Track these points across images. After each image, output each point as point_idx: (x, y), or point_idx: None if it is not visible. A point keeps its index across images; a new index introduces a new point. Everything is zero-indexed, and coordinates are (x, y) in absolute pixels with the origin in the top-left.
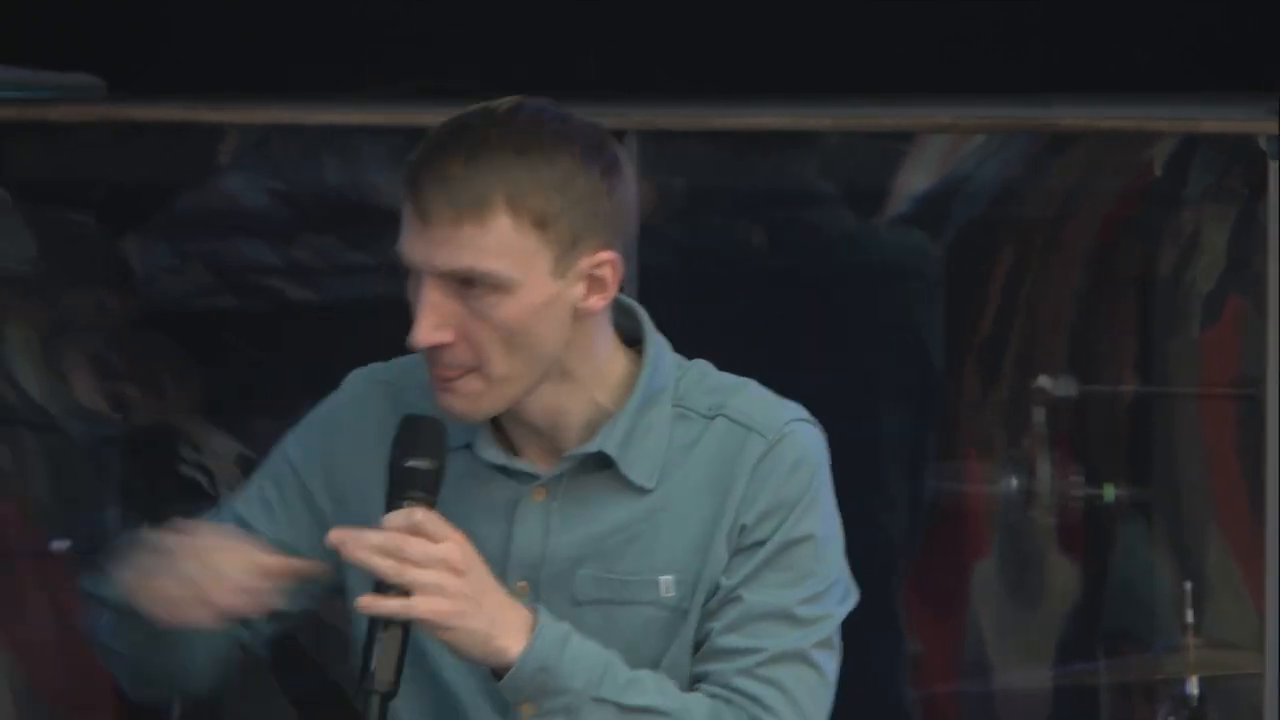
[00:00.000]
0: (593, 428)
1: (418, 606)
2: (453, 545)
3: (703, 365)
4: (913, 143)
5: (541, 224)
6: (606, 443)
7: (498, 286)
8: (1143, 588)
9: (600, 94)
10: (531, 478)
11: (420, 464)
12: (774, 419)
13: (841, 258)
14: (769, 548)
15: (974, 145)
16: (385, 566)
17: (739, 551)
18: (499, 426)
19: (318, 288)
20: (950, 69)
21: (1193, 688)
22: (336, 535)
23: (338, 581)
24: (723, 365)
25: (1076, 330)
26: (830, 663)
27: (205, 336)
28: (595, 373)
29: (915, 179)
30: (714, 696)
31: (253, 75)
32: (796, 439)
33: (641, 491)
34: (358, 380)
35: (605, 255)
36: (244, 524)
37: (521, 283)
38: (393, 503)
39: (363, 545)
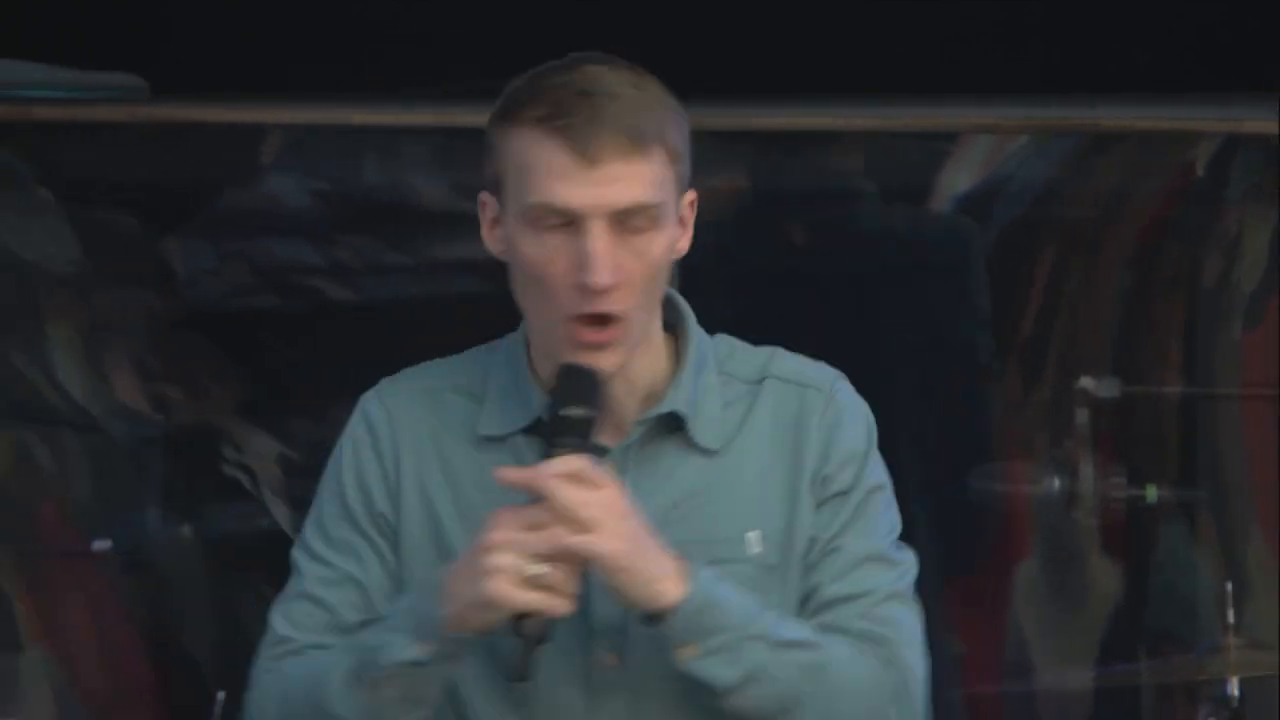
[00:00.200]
0: (653, 397)
1: (598, 543)
2: (615, 491)
3: (727, 338)
4: (956, 143)
5: (676, 158)
6: (676, 403)
7: (655, 220)
8: (1184, 588)
9: None
10: (603, 450)
11: (576, 412)
12: (820, 375)
13: (883, 256)
14: (855, 495)
15: (1017, 145)
16: (570, 495)
17: (825, 502)
18: None
19: (357, 288)
20: (950, 69)
21: (1233, 688)
22: (512, 473)
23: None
24: None
25: (1119, 331)
26: (918, 603)
27: (246, 336)
28: (657, 336)
29: (958, 179)
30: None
31: (292, 76)
32: (847, 392)
33: (707, 453)
34: (378, 398)
35: (691, 195)
36: (354, 581)
37: (668, 216)
38: (550, 450)
39: (548, 475)
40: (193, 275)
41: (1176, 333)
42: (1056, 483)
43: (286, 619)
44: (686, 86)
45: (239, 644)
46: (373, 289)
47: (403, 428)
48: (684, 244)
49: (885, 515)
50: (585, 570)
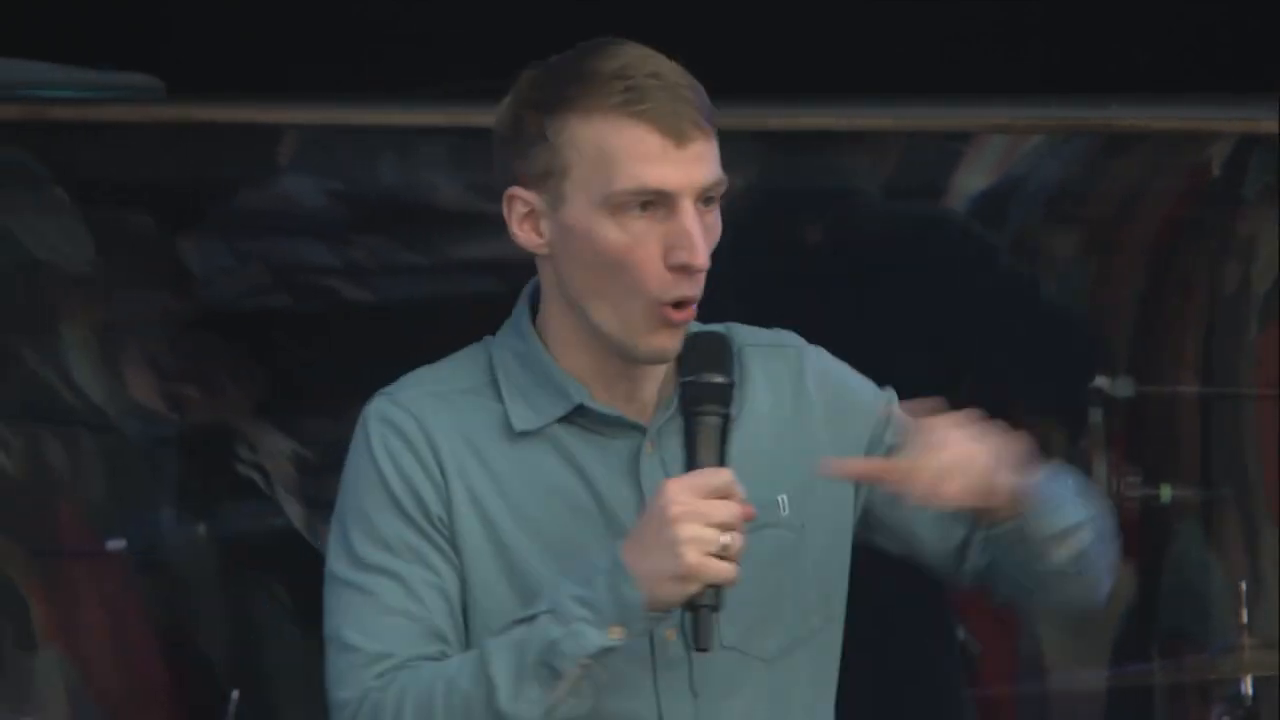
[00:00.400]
0: (671, 372)
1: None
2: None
3: None
4: (969, 143)
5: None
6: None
7: (721, 197)
8: (1198, 588)
9: None
10: (641, 430)
11: (718, 379)
12: (782, 336)
13: (896, 256)
14: (897, 416)
15: (1032, 145)
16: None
17: (889, 433)
18: (586, 384)
19: (373, 287)
20: (964, 69)
21: (1247, 687)
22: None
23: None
24: None
25: (1133, 331)
26: None
27: (260, 336)
28: None
29: (972, 180)
30: None
31: (307, 76)
32: (814, 350)
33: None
34: (395, 405)
35: None
36: (435, 586)
37: None
38: (694, 418)
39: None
40: (208, 275)
41: (1191, 332)
42: None
43: (374, 638)
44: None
45: (253, 643)
46: (387, 288)
47: (435, 431)
48: None
49: None
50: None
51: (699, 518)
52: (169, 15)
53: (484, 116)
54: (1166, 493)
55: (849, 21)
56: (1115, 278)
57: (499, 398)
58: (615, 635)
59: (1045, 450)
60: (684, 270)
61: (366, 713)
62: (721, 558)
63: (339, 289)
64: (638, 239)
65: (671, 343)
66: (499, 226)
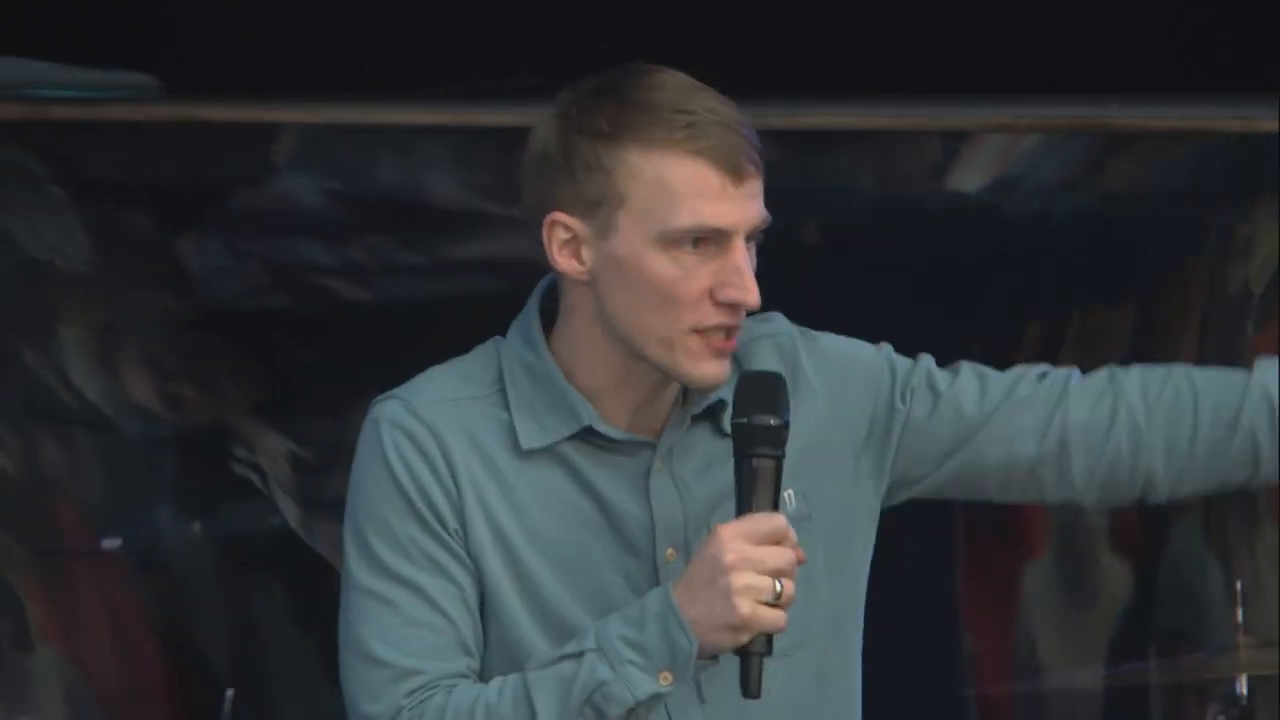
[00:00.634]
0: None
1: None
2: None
3: None
4: (966, 142)
5: None
6: (722, 391)
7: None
8: (1194, 588)
9: None
10: (650, 448)
11: (772, 421)
12: (773, 323)
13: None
14: (921, 367)
15: (1031, 144)
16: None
17: (921, 389)
18: (596, 403)
19: (371, 287)
20: (962, 69)
21: (1242, 687)
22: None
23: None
24: None
25: (1129, 330)
26: None
27: (259, 336)
28: None
29: (969, 178)
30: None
31: (305, 75)
32: (799, 329)
33: (729, 437)
34: (408, 411)
35: None
36: (458, 597)
37: None
38: (745, 458)
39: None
40: (206, 275)
41: (1187, 331)
42: None
43: (402, 652)
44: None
45: (250, 642)
46: (385, 288)
47: (448, 440)
48: None
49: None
50: None
51: (753, 565)
52: (168, 15)
53: (484, 116)
54: None
55: (848, 21)
56: (1113, 276)
57: (507, 408)
58: (665, 681)
59: None
60: (734, 307)
61: None
62: (773, 605)
63: (337, 289)
64: (688, 273)
65: (719, 370)
66: (498, 226)
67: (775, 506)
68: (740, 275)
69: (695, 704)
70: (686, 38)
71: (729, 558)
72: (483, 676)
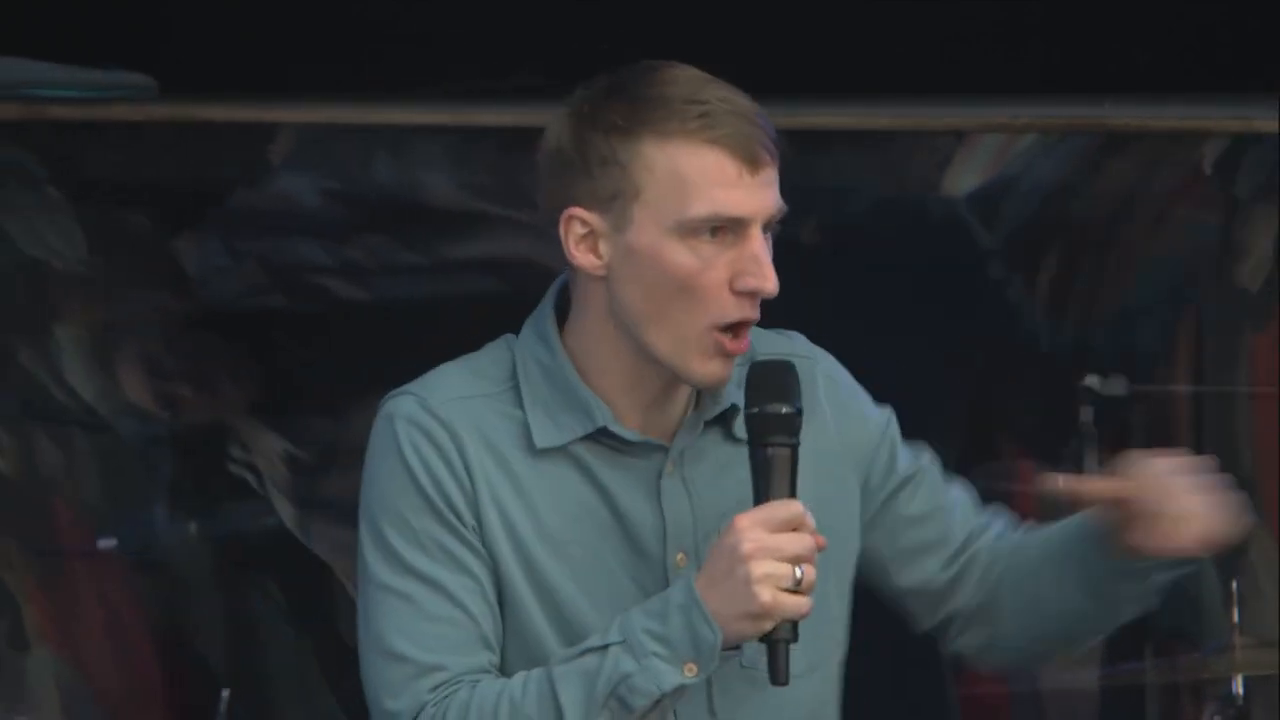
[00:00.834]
0: (691, 393)
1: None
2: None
3: None
4: (963, 142)
5: None
6: (732, 394)
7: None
8: (1190, 588)
9: None
10: (663, 451)
11: (786, 409)
12: (795, 344)
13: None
14: (893, 437)
15: (1025, 145)
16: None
17: (902, 487)
18: (610, 403)
19: (370, 287)
20: (958, 69)
21: (1239, 687)
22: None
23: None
24: None
25: (1125, 329)
26: None
27: (257, 336)
28: None
29: (966, 178)
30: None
31: (302, 75)
32: (827, 360)
33: (741, 443)
34: (422, 407)
35: None
36: (477, 592)
37: None
38: (761, 448)
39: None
40: (204, 275)
41: (1183, 331)
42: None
43: (424, 648)
44: None
45: (246, 642)
46: (384, 288)
47: (463, 438)
48: None
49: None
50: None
51: (771, 552)
52: (167, 15)
53: (483, 116)
54: None
55: (847, 21)
56: (1109, 276)
57: (520, 405)
58: (690, 673)
59: (1037, 450)
60: (752, 295)
61: None
62: (794, 591)
63: (335, 289)
64: (706, 263)
65: (724, 370)
66: (496, 226)
67: (792, 494)
68: (759, 263)
69: (706, 714)
70: (686, 37)
71: (747, 546)
72: (501, 672)
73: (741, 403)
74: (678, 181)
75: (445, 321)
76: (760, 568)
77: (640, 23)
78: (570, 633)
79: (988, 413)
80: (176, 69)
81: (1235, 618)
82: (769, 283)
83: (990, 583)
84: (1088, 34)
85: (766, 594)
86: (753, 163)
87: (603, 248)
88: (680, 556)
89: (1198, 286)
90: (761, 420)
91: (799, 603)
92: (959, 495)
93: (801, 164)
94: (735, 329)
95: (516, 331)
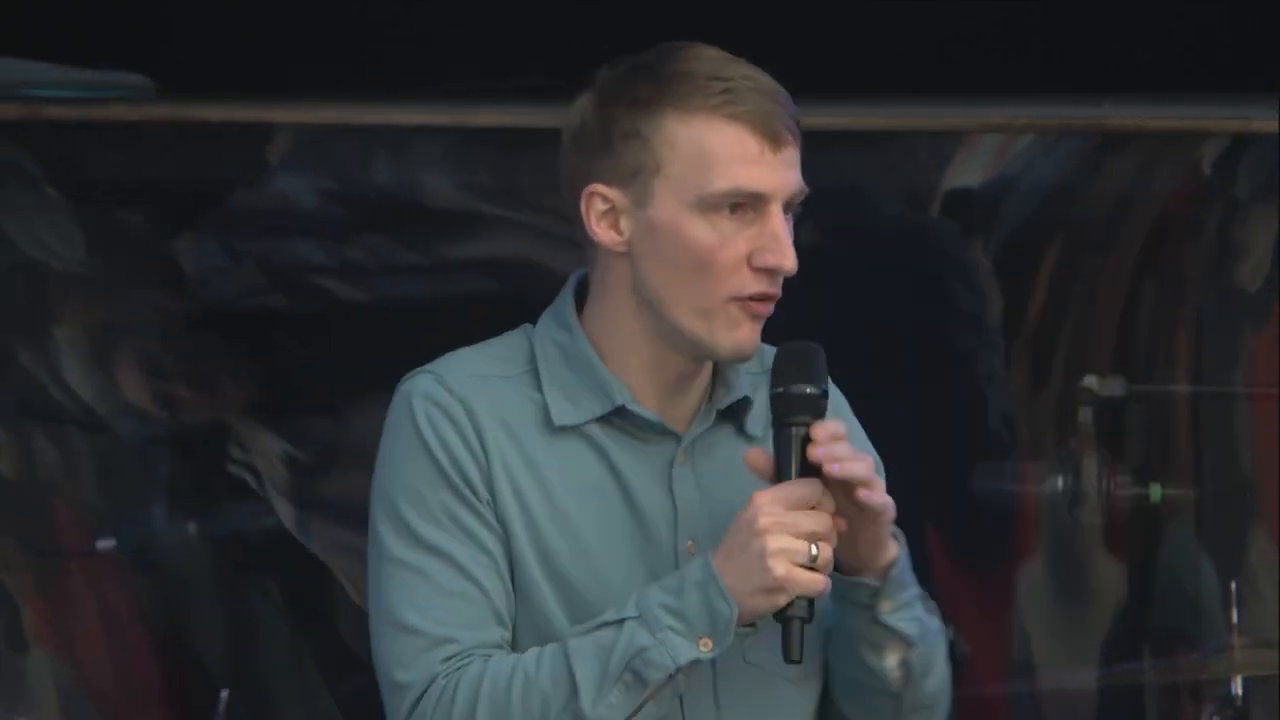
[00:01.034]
0: (707, 385)
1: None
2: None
3: None
4: (961, 142)
5: None
6: (745, 388)
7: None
8: (1189, 588)
9: None
10: (676, 437)
11: (810, 390)
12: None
13: (887, 255)
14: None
15: (1024, 145)
16: (860, 469)
17: None
18: (628, 386)
19: (369, 287)
20: (957, 69)
21: (1237, 687)
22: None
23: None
24: None
25: (1124, 330)
26: None
27: (255, 336)
28: None
29: (964, 179)
30: None
31: (299, 75)
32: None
33: (753, 440)
34: (439, 383)
35: None
36: (491, 567)
37: None
38: (784, 427)
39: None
40: (202, 275)
41: (1182, 331)
42: (1061, 482)
43: (435, 621)
44: None
45: (245, 643)
46: (383, 288)
47: (479, 414)
48: None
49: None
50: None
51: (788, 528)
52: (164, 15)
53: (482, 117)
54: (1157, 492)
55: (846, 21)
56: (1107, 277)
57: (538, 388)
58: (705, 648)
59: (1036, 450)
60: (772, 272)
61: (433, 698)
62: (811, 568)
63: (334, 289)
64: (726, 239)
65: (752, 336)
66: (495, 226)
67: (815, 473)
68: (778, 241)
69: (711, 709)
70: (686, 38)
71: (764, 521)
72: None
73: (753, 396)
74: (699, 156)
75: (444, 322)
76: (776, 542)
77: (640, 23)
78: (580, 613)
79: (987, 413)
80: (175, 69)
81: (1234, 618)
82: (788, 260)
83: None
84: (1086, 34)
85: (781, 568)
86: (774, 140)
87: (623, 224)
88: (690, 544)
89: (1197, 287)
90: (786, 400)
91: (813, 579)
92: None
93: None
94: (757, 298)
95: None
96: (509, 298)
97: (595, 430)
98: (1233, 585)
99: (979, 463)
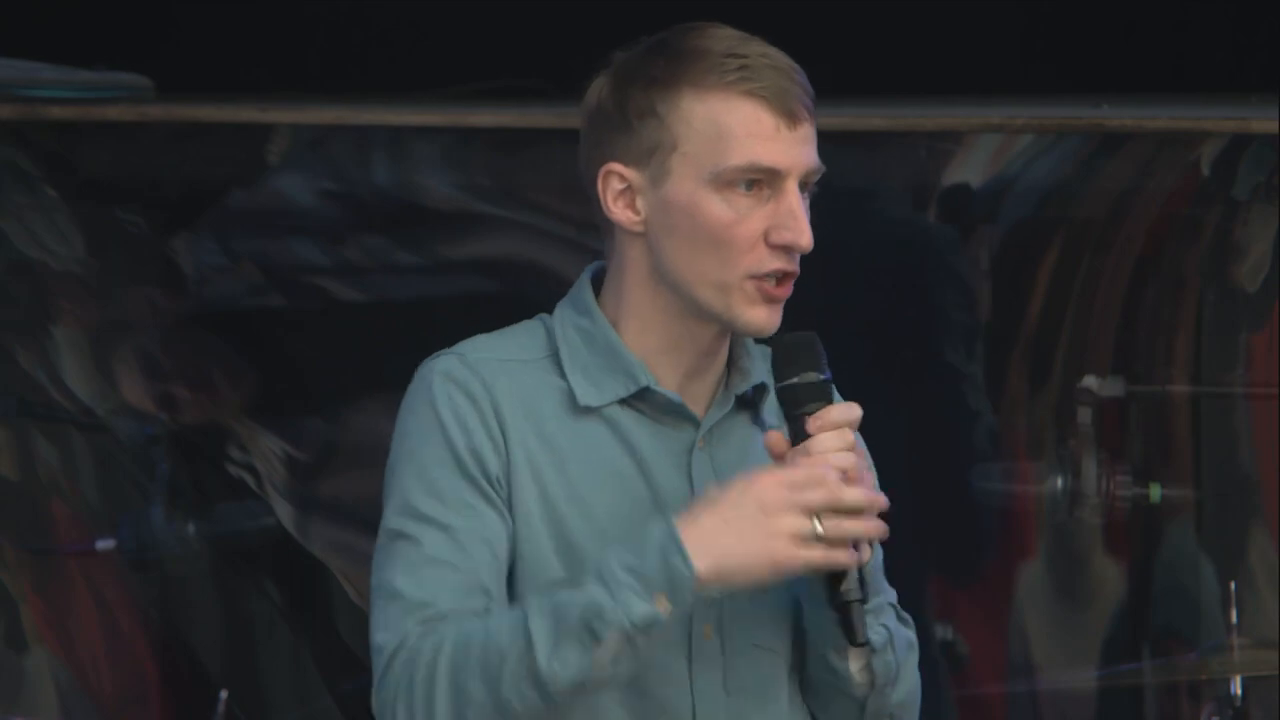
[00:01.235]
0: (722, 372)
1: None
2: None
3: None
4: (960, 142)
5: None
6: (762, 374)
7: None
8: (1188, 588)
9: None
10: (695, 422)
11: (818, 378)
12: None
13: (884, 255)
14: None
15: (1023, 145)
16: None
17: None
18: (654, 366)
19: (366, 288)
20: (956, 69)
21: (1237, 687)
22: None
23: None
24: None
25: (1123, 330)
26: None
27: (253, 336)
28: None
29: (965, 178)
30: None
31: (298, 75)
32: None
33: (764, 428)
34: (460, 363)
35: None
36: (485, 542)
37: None
38: (798, 415)
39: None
40: (200, 275)
41: (1181, 331)
42: (1060, 482)
43: (418, 585)
44: None
45: (244, 643)
46: (380, 289)
47: (499, 396)
48: None
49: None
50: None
51: (793, 508)
52: (162, 15)
53: (479, 117)
54: (1156, 492)
55: (845, 21)
56: (1106, 277)
57: (560, 373)
58: (661, 607)
59: (1037, 450)
60: (788, 249)
61: (402, 658)
62: (827, 543)
63: (332, 289)
64: (742, 216)
65: (771, 318)
66: (493, 227)
67: None
68: (794, 218)
69: (720, 694)
70: None
71: (769, 496)
72: None
73: (770, 381)
74: (715, 133)
75: (443, 322)
76: (781, 522)
77: (639, 24)
78: None
79: (986, 413)
80: (173, 69)
81: (1234, 618)
82: (804, 237)
83: None
84: (1085, 34)
85: (783, 549)
86: (790, 117)
87: (640, 203)
88: None
89: (1196, 287)
90: (795, 391)
91: (823, 556)
92: None
93: None
94: (775, 278)
95: None
96: (507, 298)
97: (616, 412)
98: (1232, 585)
99: (977, 463)
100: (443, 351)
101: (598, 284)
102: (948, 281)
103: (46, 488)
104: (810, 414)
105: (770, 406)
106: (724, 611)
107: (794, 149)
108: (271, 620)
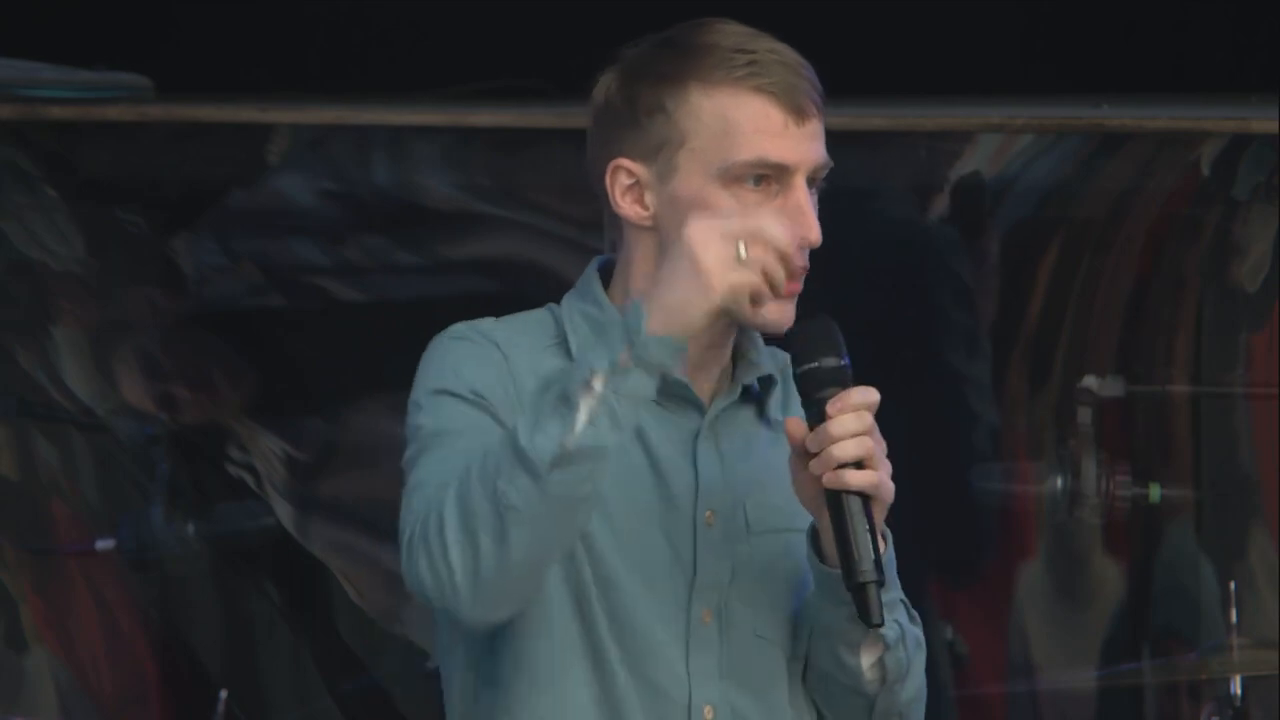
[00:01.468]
0: (726, 364)
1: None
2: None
3: None
4: (969, 141)
5: None
6: (768, 365)
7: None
8: (1188, 588)
9: None
10: (700, 410)
11: (836, 363)
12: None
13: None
14: None
15: (1023, 145)
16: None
17: None
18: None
19: (366, 288)
20: (956, 69)
21: (1236, 687)
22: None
23: None
24: None
25: (1123, 330)
26: None
27: (253, 336)
28: None
29: (964, 178)
30: None
31: (298, 75)
32: None
33: (771, 423)
34: (477, 331)
35: None
36: (494, 429)
37: None
38: (816, 401)
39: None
40: (200, 275)
41: (1181, 331)
42: (1060, 482)
43: (440, 471)
44: None
45: (244, 643)
46: (380, 289)
47: (514, 362)
48: None
49: None
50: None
51: (719, 237)
52: (162, 15)
53: (479, 117)
54: (1156, 492)
55: (845, 21)
56: (1106, 277)
57: (568, 357)
58: (623, 360)
59: (1036, 450)
60: (797, 245)
61: (422, 517)
62: (756, 268)
63: (332, 289)
64: (750, 211)
65: (783, 313)
66: (493, 227)
67: None
68: (802, 213)
69: (716, 680)
70: None
71: (693, 234)
72: (539, 610)
73: (776, 374)
74: (724, 128)
75: (443, 322)
76: (705, 248)
77: (639, 24)
78: (598, 571)
79: (986, 413)
80: (173, 69)
81: (1233, 618)
82: (813, 232)
83: None
84: (1085, 34)
85: (708, 256)
86: (799, 113)
87: (648, 198)
88: (709, 514)
89: (1196, 287)
90: (814, 376)
91: (750, 282)
92: None
93: None
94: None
95: None
96: (507, 298)
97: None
98: (1232, 585)
99: (980, 462)
100: (456, 324)
101: (605, 277)
102: (948, 281)
103: (46, 488)
104: (829, 398)
105: (776, 401)
106: (724, 599)
107: (802, 144)
108: (271, 620)
